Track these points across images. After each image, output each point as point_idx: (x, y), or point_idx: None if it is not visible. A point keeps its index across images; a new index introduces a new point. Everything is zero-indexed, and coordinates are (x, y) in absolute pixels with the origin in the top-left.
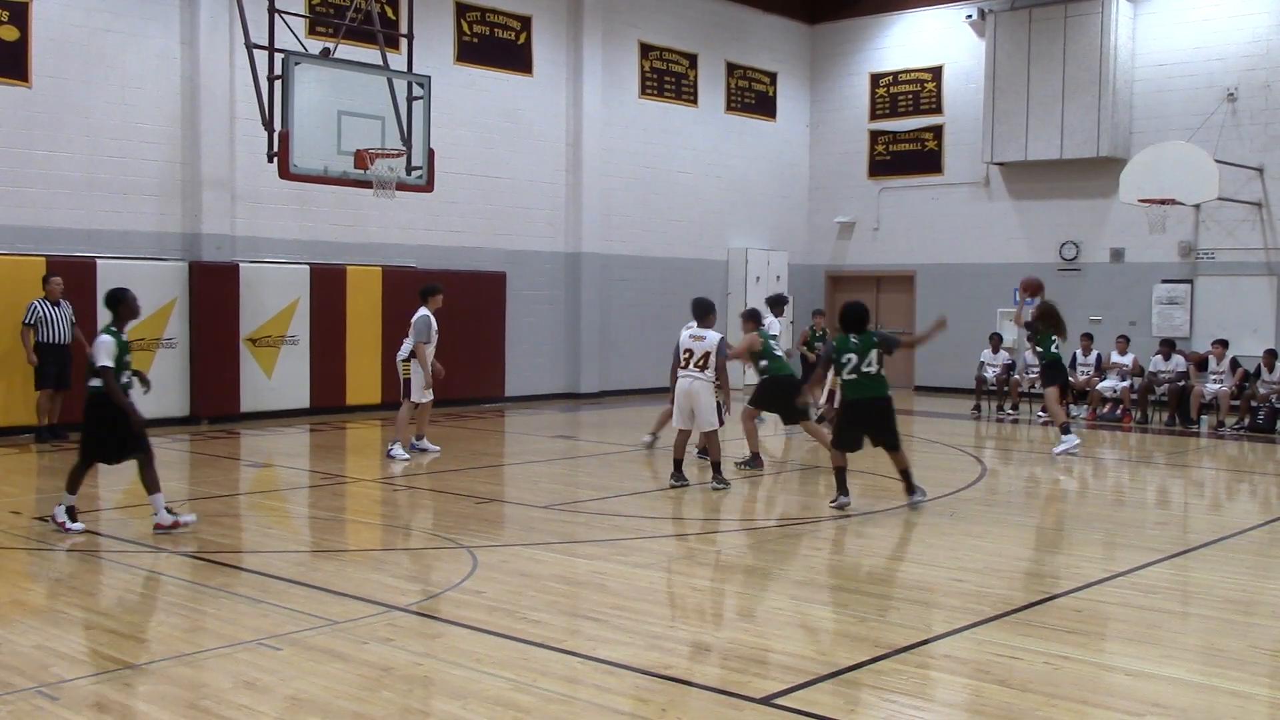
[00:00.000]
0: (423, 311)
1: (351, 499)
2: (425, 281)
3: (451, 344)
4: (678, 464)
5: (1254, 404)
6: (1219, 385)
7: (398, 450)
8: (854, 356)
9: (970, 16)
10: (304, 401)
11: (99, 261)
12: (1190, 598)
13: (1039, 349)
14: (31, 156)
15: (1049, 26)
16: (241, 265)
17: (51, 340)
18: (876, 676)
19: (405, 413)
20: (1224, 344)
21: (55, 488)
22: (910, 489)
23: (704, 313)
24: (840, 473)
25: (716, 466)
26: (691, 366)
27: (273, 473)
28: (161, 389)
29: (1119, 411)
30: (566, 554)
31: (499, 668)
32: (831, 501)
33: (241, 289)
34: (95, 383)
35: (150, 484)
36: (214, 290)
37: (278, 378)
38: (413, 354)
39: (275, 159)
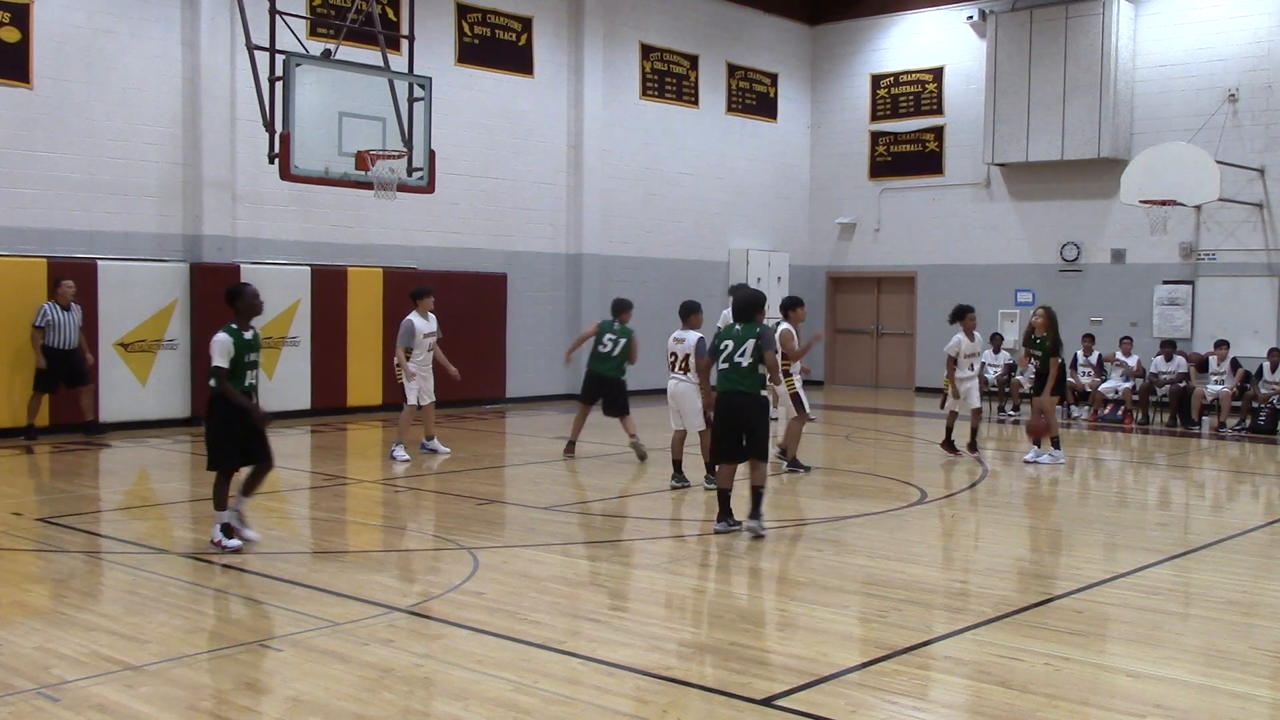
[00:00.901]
0: (409, 316)
1: (352, 500)
2: (419, 283)
3: (453, 345)
4: (677, 465)
5: (1255, 405)
6: (1220, 386)
7: (400, 452)
8: (730, 344)
9: (971, 17)
10: (305, 402)
11: (100, 263)
12: (1191, 599)
13: (1037, 354)
14: (33, 158)
15: (1050, 27)
16: (243, 266)
17: (59, 345)
18: (877, 678)
19: (406, 415)
20: (1225, 345)
21: (57, 488)
22: (755, 512)
23: (686, 314)
24: (724, 496)
25: (710, 466)
26: (676, 369)
27: (273, 474)
28: (162, 390)
29: (1120, 413)
30: (567, 555)
31: (500, 669)
32: (716, 526)
33: None
34: (213, 383)
35: (249, 488)
36: (215, 292)
37: (279, 379)
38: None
39: (276, 160)
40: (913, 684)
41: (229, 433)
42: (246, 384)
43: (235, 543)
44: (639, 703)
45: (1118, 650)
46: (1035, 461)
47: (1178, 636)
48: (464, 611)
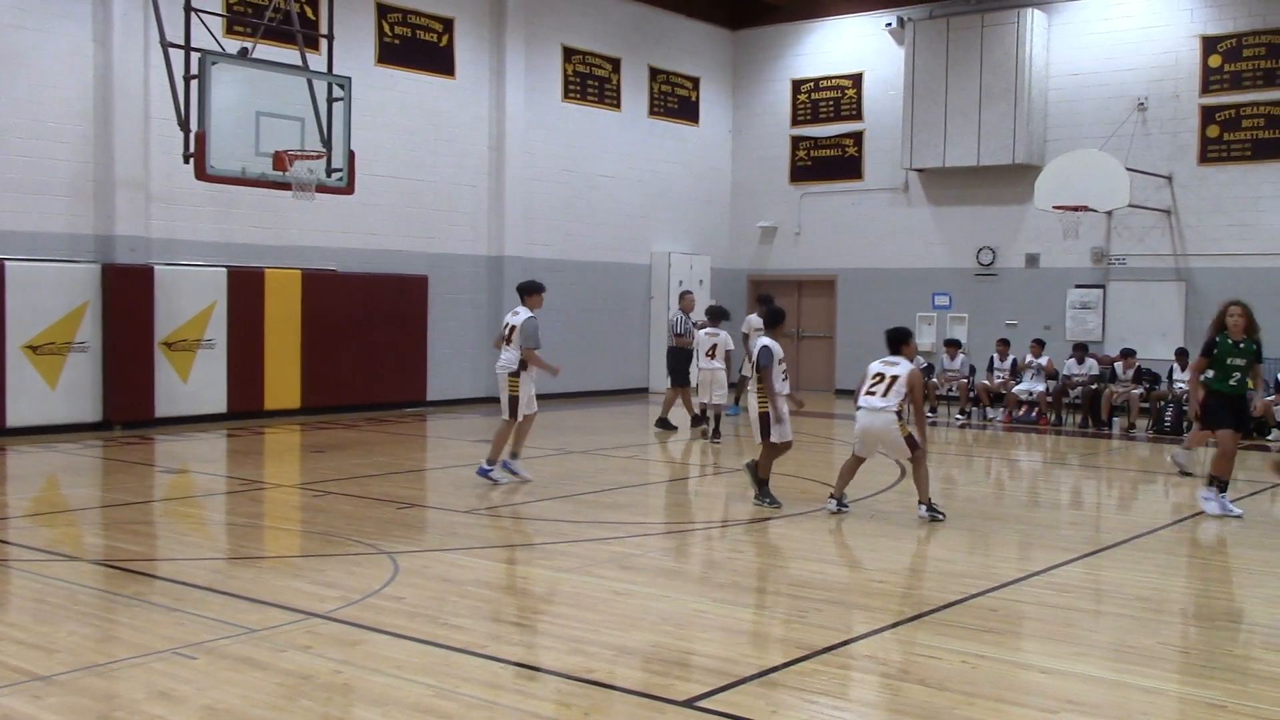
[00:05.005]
0: (532, 314)
1: (269, 505)
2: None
3: (373, 347)
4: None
5: (1159, 405)
6: (1133, 389)
7: (517, 466)
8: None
9: (890, 25)
10: (221, 406)
11: (7, 263)
12: (1102, 596)
13: (1239, 362)
14: None
15: (966, 36)
16: (156, 268)
17: (684, 347)
18: (798, 678)
19: (522, 427)
20: (1132, 353)
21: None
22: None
23: (773, 322)
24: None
25: (763, 482)
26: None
27: (188, 478)
28: (73, 394)
29: (1035, 414)
30: (489, 559)
31: (420, 674)
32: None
33: (156, 292)
34: None
35: None
36: (128, 293)
37: (194, 382)
38: (523, 365)
39: (191, 160)
40: (833, 683)
41: None
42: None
43: None
44: (561, 706)
45: (1032, 647)
46: (1224, 512)
47: (1089, 633)
48: (384, 617)
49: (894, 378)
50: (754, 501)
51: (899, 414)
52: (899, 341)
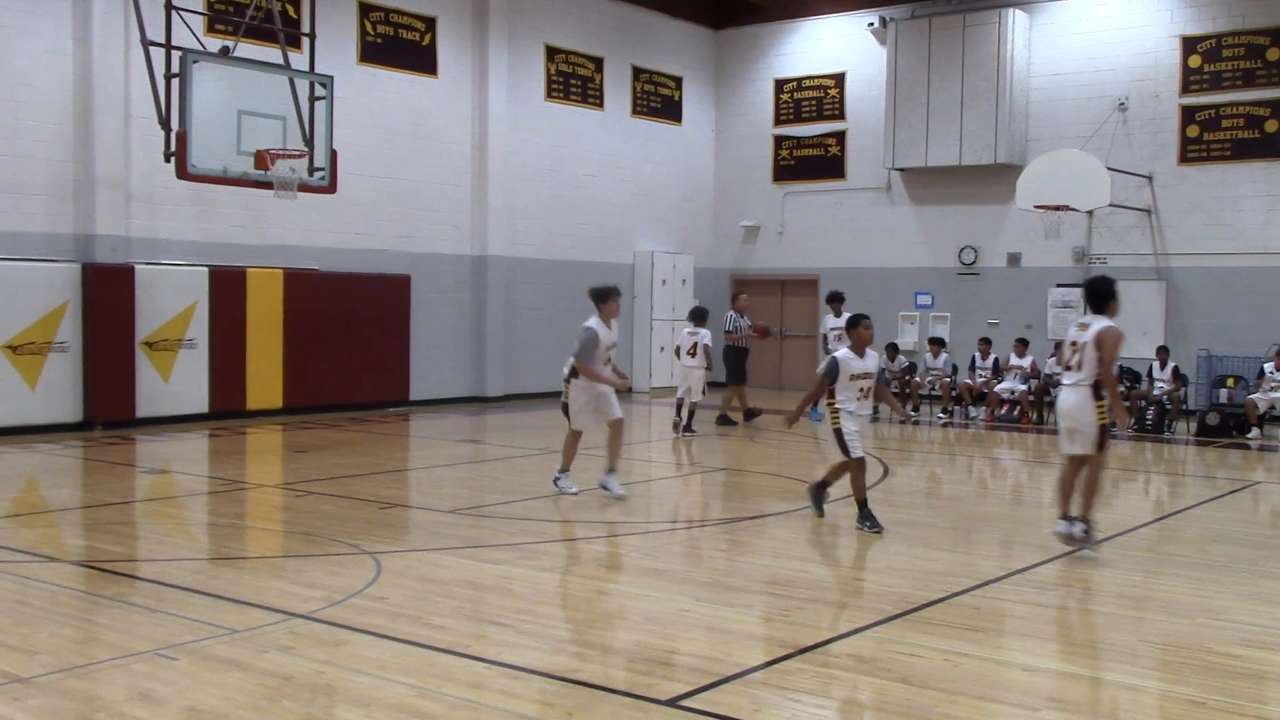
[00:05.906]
0: (590, 322)
1: (251, 505)
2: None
3: (355, 347)
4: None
5: (1142, 404)
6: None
7: (564, 483)
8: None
9: (872, 24)
10: (202, 406)
11: None
12: (1084, 594)
13: None
14: None
15: (948, 35)
16: (137, 267)
17: (738, 346)
18: (781, 676)
19: (571, 441)
20: None
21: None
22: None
23: (852, 323)
24: None
25: (862, 504)
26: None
27: (170, 479)
28: (54, 394)
29: (1017, 413)
30: (472, 559)
31: (403, 674)
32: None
33: (137, 291)
34: None
35: None
36: (108, 293)
37: (175, 382)
38: (574, 373)
39: (173, 159)
40: (815, 682)
41: None
42: None
43: None
44: (544, 706)
45: (1014, 645)
46: None
47: (1071, 631)
48: (366, 617)
49: (1085, 343)
50: (855, 525)
51: (1096, 389)
52: (1098, 296)
